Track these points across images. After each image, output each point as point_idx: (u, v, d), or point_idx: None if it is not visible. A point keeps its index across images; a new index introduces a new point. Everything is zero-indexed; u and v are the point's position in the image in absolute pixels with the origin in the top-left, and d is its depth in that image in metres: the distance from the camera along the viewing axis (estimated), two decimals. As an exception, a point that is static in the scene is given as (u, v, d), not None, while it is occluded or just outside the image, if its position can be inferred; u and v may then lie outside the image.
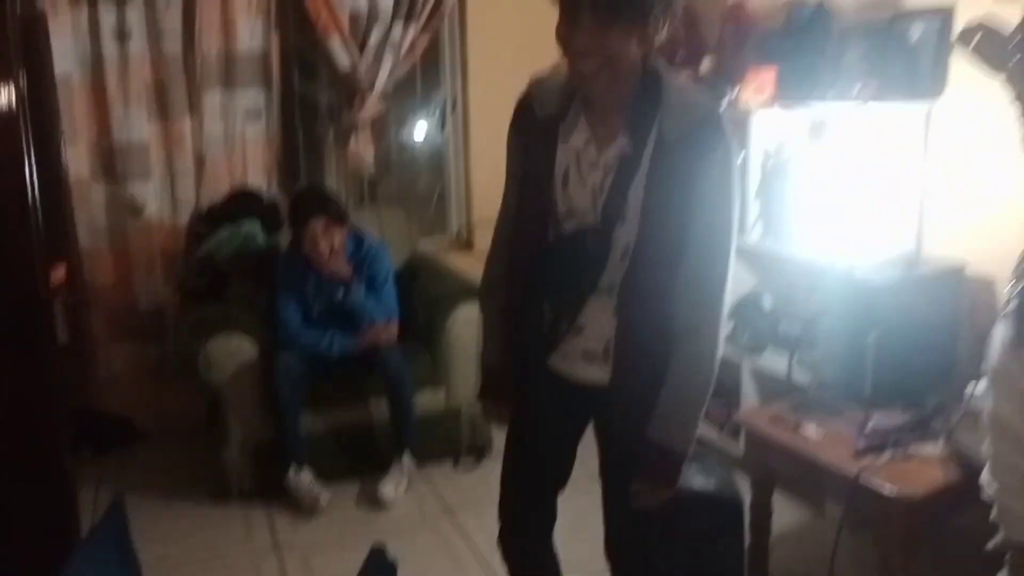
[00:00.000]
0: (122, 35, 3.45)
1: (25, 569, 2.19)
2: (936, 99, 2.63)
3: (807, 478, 2.35)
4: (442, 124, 4.21)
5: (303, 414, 3.11)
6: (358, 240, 3.31)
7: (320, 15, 3.60)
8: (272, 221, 3.57)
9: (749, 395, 3.12)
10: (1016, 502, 1.04)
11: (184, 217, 3.66)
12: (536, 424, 1.84)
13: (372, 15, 3.71)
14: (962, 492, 1.83)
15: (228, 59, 3.61)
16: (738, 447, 3.06)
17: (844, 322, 2.50)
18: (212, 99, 3.63)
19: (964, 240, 2.60)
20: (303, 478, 3.05)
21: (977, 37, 1.20)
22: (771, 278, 3.21)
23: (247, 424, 3.08)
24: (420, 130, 4.31)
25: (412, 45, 3.79)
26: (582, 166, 1.60)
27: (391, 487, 3.10)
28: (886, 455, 2.12)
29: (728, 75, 3.18)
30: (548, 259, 1.67)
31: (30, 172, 2.18)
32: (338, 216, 3.17)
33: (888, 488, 2.00)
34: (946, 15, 2.58)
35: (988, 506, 1.17)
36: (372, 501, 3.09)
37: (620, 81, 1.52)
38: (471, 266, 3.66)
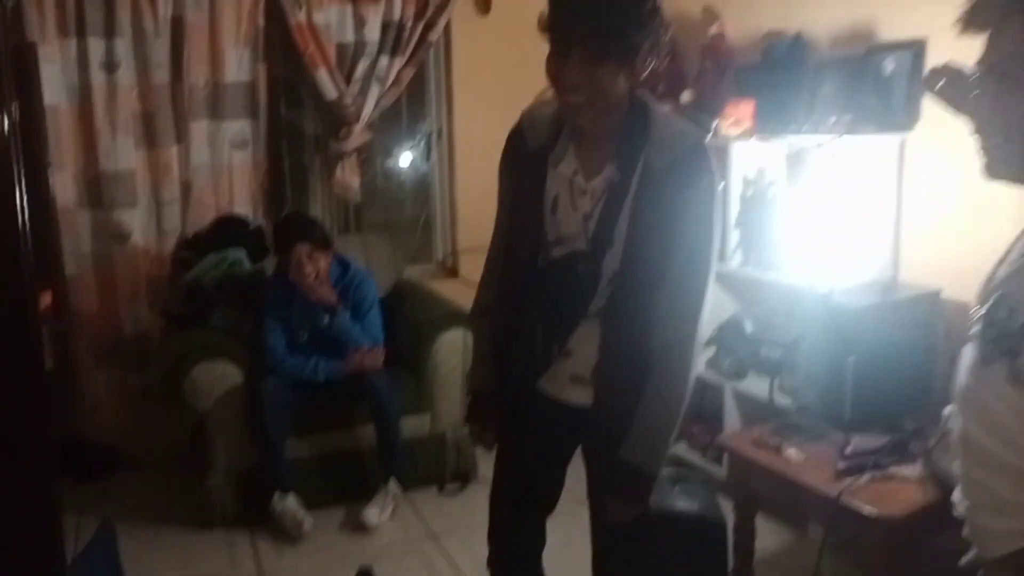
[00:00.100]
0: (110, 65, 3.48)
1: (9, 597, 2.17)
2: (910, 130, 2.71)
3: (789, 500, 2.38)
4: (427, 153, 4.26)
5: (288, 440, 3.11)
6: (343, 266, 3.33)
7: (307, 47, 3.65)
8: (258, 248, 3.59)
9: (732, 419, 3.16)
10: (986, 519, 1.06)
11: (170, 245, 3.67)
12: (525, 447, 1.87)
13: (358, 48, 3.77)
14: (941, 512, 1.85)
15: (216, 89, 3.65)
16: (722, 471, 3.09)
17: (823, 346, 2.54)
18: (199, 128, 3.66)
19: (939, 266, 2.66)
20: (287, 504, 3.04)
21: (942, 81, 1.26)
22: (752, 303, 3.26)
23: (231, 450, 3.07)
24: (406, 159, 4.35)
25: (398, 77, 3.84)
26: (573, 193, 1.64)
27: (376, 512, 3.09)
28: (866, 476, 2.16)
29: (708, 107, 3.26)
30: (539, 284, 1.70)
31: (20, 199, 2.20)
32: (323, 241, 3.20)
33: (868, 509, 2.04)
34: (918, 48, 2.66)
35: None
36: (357, 526, 3.08)
37: (608, 113, 1.57)
38: (456, 293, 3.68)
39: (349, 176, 3.87)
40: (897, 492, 2.11)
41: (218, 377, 3.03)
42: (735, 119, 3.05)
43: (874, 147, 2.73)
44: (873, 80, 2.77)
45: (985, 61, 1.00)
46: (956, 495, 1.12)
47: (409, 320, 3.51)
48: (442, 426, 3.36)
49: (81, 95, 3.48)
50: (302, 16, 3.62)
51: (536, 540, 1.95)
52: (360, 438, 3.24)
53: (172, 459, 3.49)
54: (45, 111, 3.35)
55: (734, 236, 3.13)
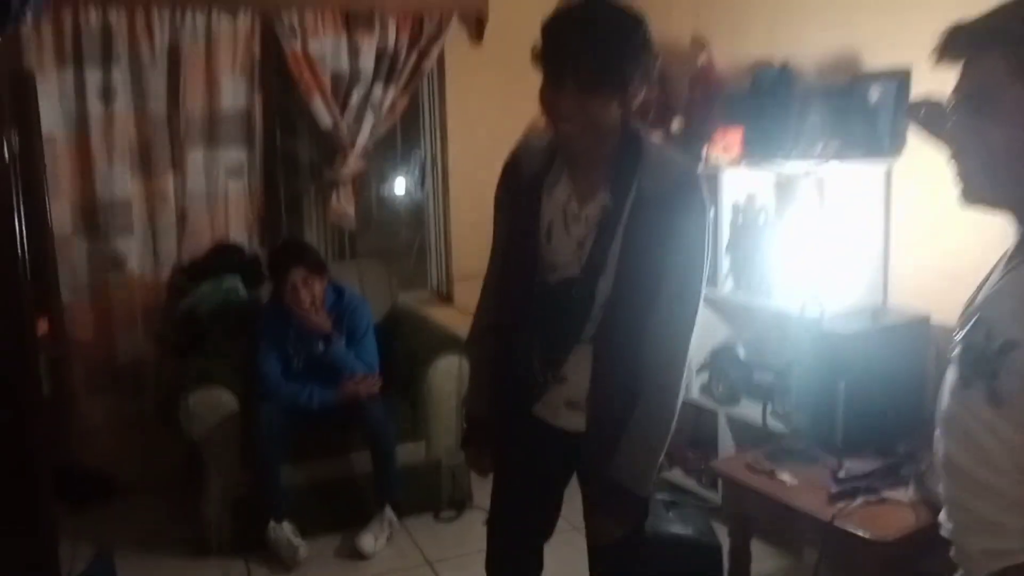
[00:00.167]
0: (107, 95, 3.51)
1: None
2: (896, 157, 2.75)
3: (783, 523, 2.40)
4: (422, 181, 4.30)
5: (283, 467, 3.10)
6: (338, 293, 3.35)
7: (303, 76, 3.69)
8: (253, 276, 3.61)
9: (726, 444, 3.17)
10: (970, 540, 1.08)
11: (165, 272, 3.68)
12: (522, 473, 1.88)
13: (353, 77, 3.81)
14: (933, 535, 1.87)
15: (212, 118, 3.68)
16: (716, 496, 3.10)
17: (814, 371, 2.57)
18: (195, 157, 3.68)
19: (928, 291, 2.69)
20: (283, 531, 3.03)
21: (922, 112, 1.30)
22: (743, 329, 3.29)
23: (227, 477, 3.07)
24: (400, 186, 4.39)
25: (392, 105, 3.89)
26: (567, 220, 1.68)
27: (371, 539, 3.09)
28: (859, 500, 2.18)
29: (697, 134, 3.31)
30: (534, 310, 1.73)
31: (19, 226, 2.22)
32: (317, 266, 3.23)
33: (861, 532, 2.05)
34: (903, 77, 2.72)
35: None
36: (352, 554, 3.08)
37: (601, 141, 1.62)
38: (451, 319, 3.70)
39: (344, 203, 3.90)
40: (890, 515, 2.12)
41: (214, 404, 3.04)
42: (724, 146, 3.10)
43: (861, 174, 2.78)
44: (859, 108, 2.82)
45: (960, 91, 1.03)
46: (942, 516, 1.14)
47: (404, 347, 3.52)
48: (438, 453, 3.37)
49: (78, 124, 3.50)
50: (297, 46, 3.67)
51: (534, 566, 1.95)
52: (355, 465, 3.24)
53: (167, 486, 3.48)
54: (43, 140, 3.37)
55: (725, 262, 3.16)
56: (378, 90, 3.84)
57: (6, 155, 2.17)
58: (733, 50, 3.41)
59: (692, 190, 1.61)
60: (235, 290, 3.53)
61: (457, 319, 3.66)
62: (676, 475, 3.41)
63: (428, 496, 3.38)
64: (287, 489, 3.10)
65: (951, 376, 1.07)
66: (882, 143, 2.76)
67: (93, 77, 3.48)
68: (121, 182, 3.57)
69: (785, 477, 2.34)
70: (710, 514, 2.72)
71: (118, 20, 3.46)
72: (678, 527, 2.40)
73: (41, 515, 2.25)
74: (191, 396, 3.01)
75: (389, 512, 3.15)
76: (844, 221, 2.77)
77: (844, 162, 2.73)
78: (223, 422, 3.04)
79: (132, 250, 3.63)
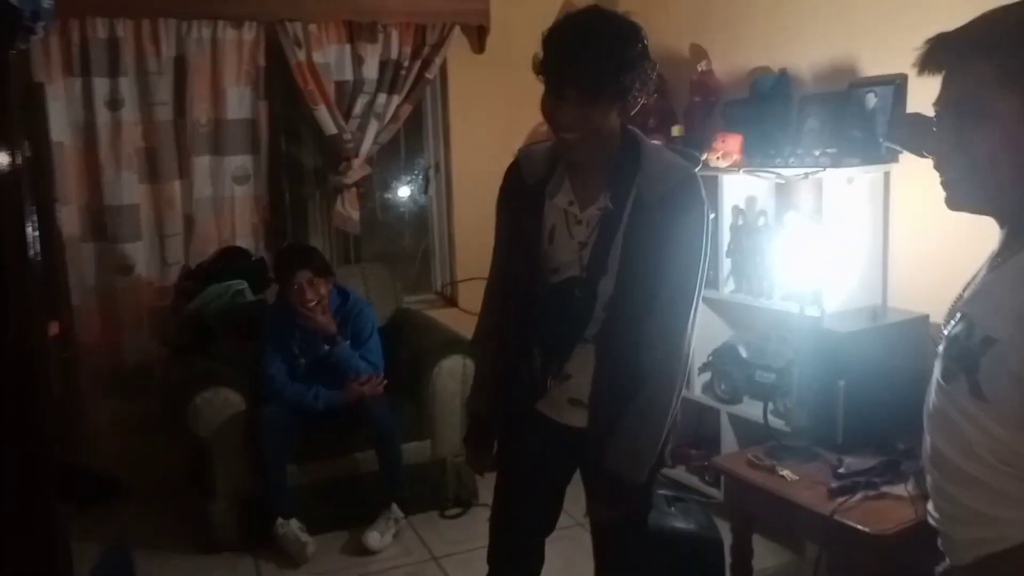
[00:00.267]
0: (115, 104, 3.56)
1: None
2: (893, 162, 2.79)
3: (785, 519, 2.42)
4: (425, 186, 4.34)
5: (290, 466, 3.14)
6: (343, 296, 3.39)
7: (307, 85, 3.73)
8: (259, 279, 3.65)
9: (728, 443, 3.21)
10: (955, 530, 1.11)
11: (173, 276, 3.73)
12: (524, 469, 1.92)
13: (357, 85, 3.86)
14: (931, 529, 1.92)
15: (218, 126, 3.73)
16: (719, 493, 3.14)
17: (814, 370, 2.60)
18: (202, 164, 3.73)
19: (926, 291, 2.71)
20: (291, 528, 3.06)
21: (905, 130, 1.33)
22: (745, 329, 3.33)
23: (234, 476, 3.11)
24: (404, 192, 4.43)
25: (396, 113, 3.93)
26: (568, 223, 1.72)
27: (378, 536, 3.12)
28: (859, 496, 2.20)
29: (697, 140, 3.35)
30: (537, 310, 1.77)
31: (31, 232, 2.26)
32: (322, 269, 3.27)
33: (861, 526, 2.09)
34: (899, 82, 2.76)
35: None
36: (359, 550, 3.11)
37: (602, 147, 1.67)
38: (455, 321, 3.75)
39: (349, 209, 3.94)
40: (889, 510, 2.15)
41: (221, 404, 3.08)
42: (724, 152, 3.14)
43: (860, 178, 2.82)
44: (856, 114, 2.86)
45: (943, 100, 1.06)
46: (930, 506, 1.17)
47: (409, 348, 3.56)
48: (443, 452, 3.41)
49: (86, 132, 3.55)
50: (302, 55, 3.72)
51: (535, 561, 1.99)
52: (361, 464, 3.27)
53: (174, 486, 3.51)
54: (52, 148, 3.42)
55: (726, 265, 3.20)
56: (382, 98, 3.89)
57: (18, 162, 2.22)
58: (732, 58, 3.46)
59: (691, 193, 1.66)
60: (242, 293, 3.58)
61: (461, 321, 3.71)
62: (680, 473, 3.44)
63: (433, 494, 3.42)
64: (293, 488, 3.14)
65: (937, 370, 1.11)
66: (880, 148, 2.80)
67: (101, 86, 3.53)
68: (129, 188, 3.62)
69: (786, 473, 2.37)
70: (713, 510, 2.75)
71: (125, 31, 3.52)
72: (680, 522, 2.42)
73: (53, 515, 2.28)
74: (198, 396, 3.05)
75: (395, 509, 3.19)
76: (843, 224, 2.81)
77: (842, 167, 2.77)
78: (230, 422, 3.08)
79: (139, 254, 3.67)
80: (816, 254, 2.83)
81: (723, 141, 3.15)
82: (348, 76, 3.86)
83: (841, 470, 2.32)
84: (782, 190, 3.17)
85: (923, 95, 1.43)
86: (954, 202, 1.09)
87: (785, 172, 2.93)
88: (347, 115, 3.86)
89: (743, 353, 3.19)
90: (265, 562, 3.07)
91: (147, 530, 3.32)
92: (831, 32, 3.02)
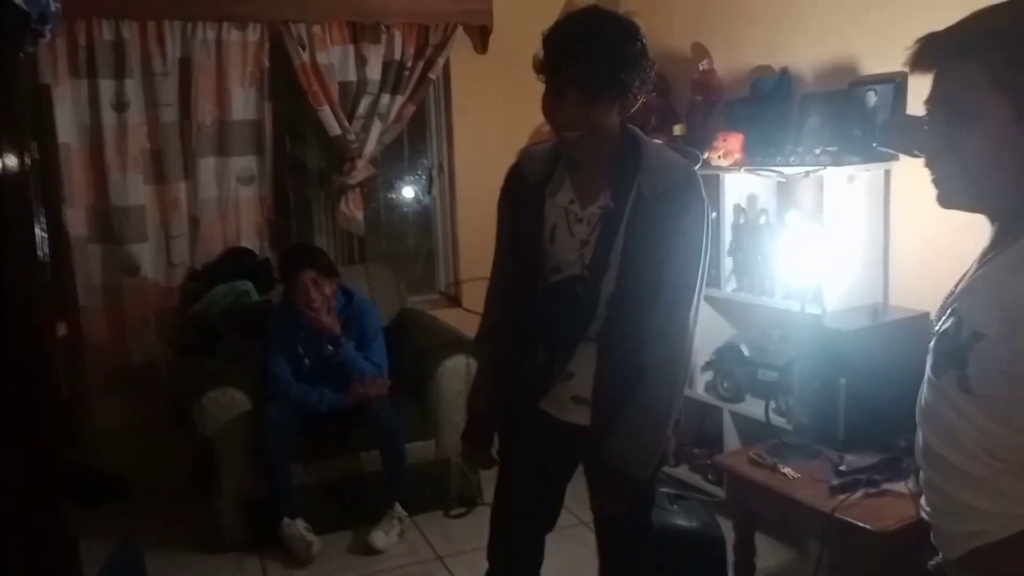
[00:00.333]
0: (120, 105, 3.58)
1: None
2: (894, 160, 2.80)
3: (786, 516, 2.43)
4: (429, 186, 4.36)
5: (295, 466, 3.16)
6: (348, 296, 3.41)
7: (311, 86, 3.75)
8: (264, 280, 3.67)
9: (731, 441, 3.23)
10: (947, 523, 1.12)
11: (178, 277, 3.75)
12: (526, 466, 1.93)
13: (361, 86, 3.88)
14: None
15: (222, 127, 3.75)
16: (722, 492, 3.15)
17: (816, 368, 2.61)
18: (207, 165, 3.75)
19: (927, 289, 2.68)
20: (296, 527, 3.08)
21: (900, 131, 1.34)
22: (747, 328, 3.34)
23: (240, 475, 3.12)
24: (408, 192, 4.45)
25: (399, 114, 3.94)
26: (569, 222, 1.74)
27: (383, 535, 3.14)
28: (860, 493, 2.22)
29: (698, 139, 3.36)
30: (540, 308, 1.79)
31: (39, 233, 2.28)
32: (327, 269, 3.28)
33: (862, 523, 2.10)
34: (899, 81, 2.77)
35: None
36: (364, 549, 3.13)
37: (602, 145, 1.68)
38: (459, 321, 3.76)
39: (353, 209, 3.96)
40: (890, 507, 2.16)
41: (226, 404, 3.10)
42: (725, 151, 3.15)
43: (860, 177, 2.83)
44: (857, 112, 2.87)
45: (934, 99, 1.07)
46: (923, 501, 1.18)
47: (413, 348, 3.58)
48: (447, 451, 3.42)
49: (92, 134, 3.58)
50: (306, 57, 3.74)
51: (535, 557, 2.00)
52: (365, 463, 3.29)
53: (180, 486, 3.53)
54: (59, 149, 3.45)
55: (728, 263, 3.21)
56: (385, 99, 3.90)
57: (26, 164, 2.24)
58: (733, 57, 3.48)
59: (691, 190, 1.68)
60: (247, 293, 3.60)
61: (465, 320, 3.72)
62: (683, 471, 3.46)
63: (438, 493, 3.43)
64: (299, 488, 3.16)
65: (928, 365, 1.12)
66: (879, 146, 2.81)
67: (107, 88, 3.55)
68: (134, 189, 3.64)
69: (788, 471, 2.38)
70: (715, 508, 2.76)
71: (131, 33, 3.55)
72: (683, 520, 2.44)
73: (61, 515, 2.30)
74: (204, 396, 3.07)
75: (399, 509, 3.21)
76: (844, 222, 2.82)
77: (843, 166, 2.78)
78: (235, 421, 3.10)
79: (145, 255, 3.69)
80: (817, 252, 2.84)
81: (724, 140, 3.16)
82: (352, 77, 3.88)
83: (842, 467, 2.33)
84: (783, 189, 3.18)
85: (923, 93, 1.43)
86: (945, 200, 1.11)
87: (786, 171, 2.94)
88: (351, 116, 3.88)
89: (745, 352, 3.21)
90: (271, 561, 3.10)
91: (153, 530, 3.34)
92: (831, 31, 3.03)
